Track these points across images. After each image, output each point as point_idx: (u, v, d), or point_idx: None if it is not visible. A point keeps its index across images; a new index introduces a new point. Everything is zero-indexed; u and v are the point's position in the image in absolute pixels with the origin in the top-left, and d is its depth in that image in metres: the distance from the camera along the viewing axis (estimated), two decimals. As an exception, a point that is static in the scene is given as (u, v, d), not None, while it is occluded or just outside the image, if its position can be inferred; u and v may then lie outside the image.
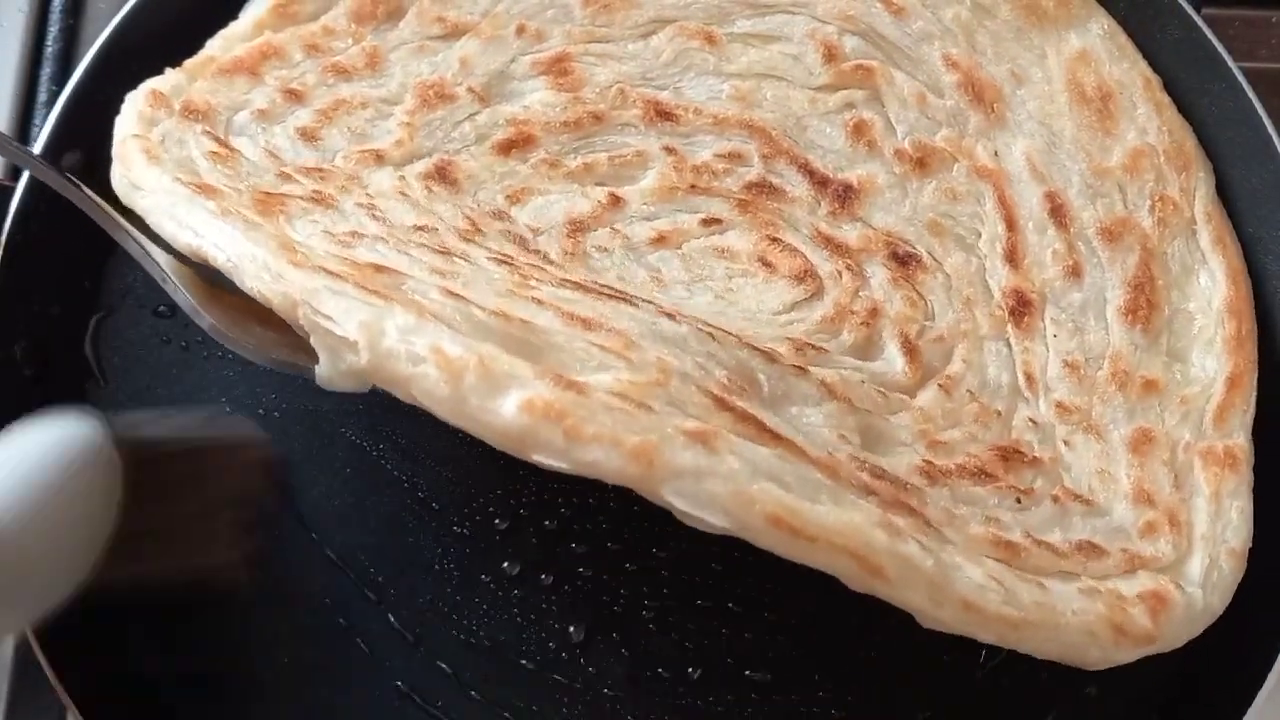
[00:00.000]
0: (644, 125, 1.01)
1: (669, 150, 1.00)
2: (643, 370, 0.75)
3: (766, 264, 0.98)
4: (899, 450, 0.87)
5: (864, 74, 1.02)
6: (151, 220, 0.83)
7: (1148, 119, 1.02)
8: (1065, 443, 0.93)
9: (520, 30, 1.03)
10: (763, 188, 1.00)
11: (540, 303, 0.79)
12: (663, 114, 1.01)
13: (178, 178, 0.85)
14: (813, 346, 0.92)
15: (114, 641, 0.95)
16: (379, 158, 0.96)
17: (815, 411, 0.85)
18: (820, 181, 1.00)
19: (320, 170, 0.93)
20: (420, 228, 0.88)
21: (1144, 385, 0.95)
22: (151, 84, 0.95)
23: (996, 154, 1.00)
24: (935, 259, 0.98)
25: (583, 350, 0.75)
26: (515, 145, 0.99)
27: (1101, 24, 1.04)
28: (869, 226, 0.99)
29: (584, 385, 0.71)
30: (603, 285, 0.88)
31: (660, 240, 0.98)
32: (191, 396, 1.00)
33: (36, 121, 1.17)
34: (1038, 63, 1.03)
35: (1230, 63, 1.01)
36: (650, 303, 0.87)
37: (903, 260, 0.98)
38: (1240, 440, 0.94)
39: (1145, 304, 0.97)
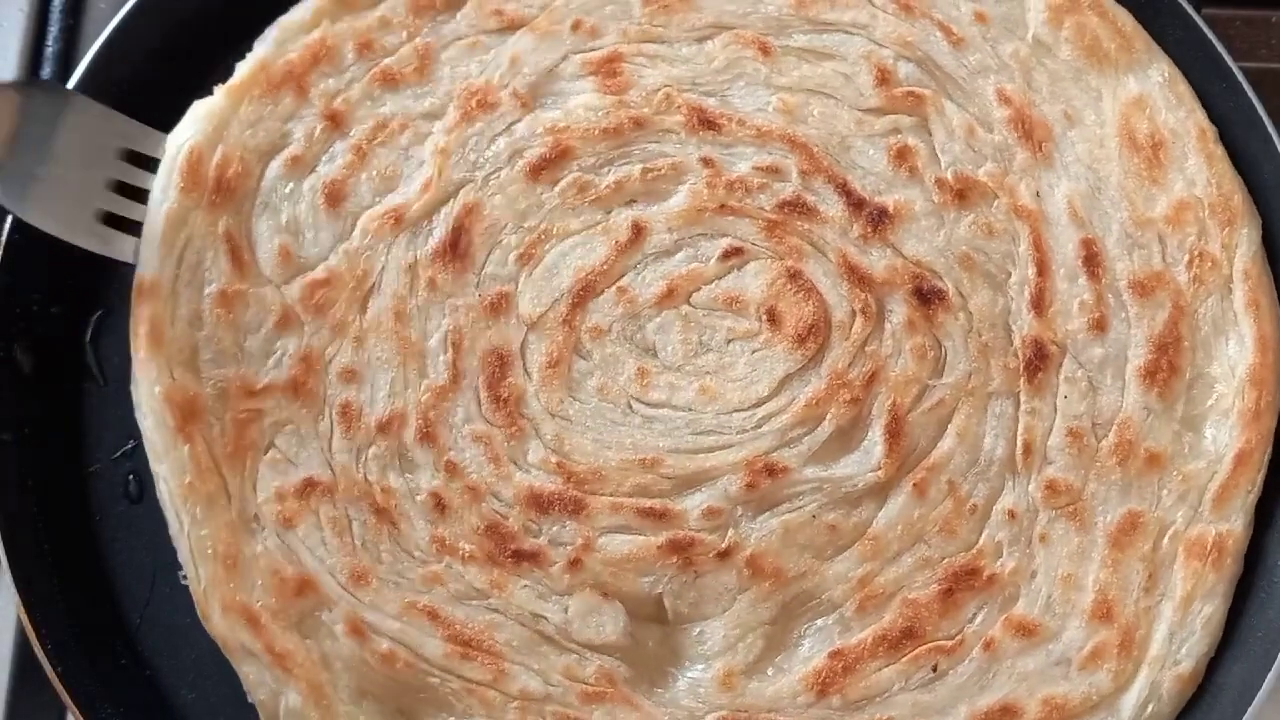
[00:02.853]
0: (685, 133, 1.00)
1: (707, 162, 0.99)
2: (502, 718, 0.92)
3: (774, 319, 0.97)
4: (809, 637, 0.94)
5: (915, 101, 1.00)
6: (145, 441, 0.95)
7: (1197, 170, 0.99)
8: (1041, 537, 0.94)
9: (576, 26, 1.01)
10: (796, 206, 0.99)
11: (434, 618, 0.93)
12: (706, 122, 0.99)
13: (168, 391, 0.94)
14: (772, 470, 0.94)
15: (114, 640, 0.99)
16: (397, 221, 0.97)
17: (718, 624, 0.94)
18: (856, 203, 0.98)
19: (326, 281, 0.96)
20: (384, 424, 0.95)
21: (1147, 460, 0.95)
22: (191, 135, 0.97)
23: (1038, 194, 0.99)
24: (962, 294, 0.97)
25: (454, 694, 0.92)
26: (548, 164, 0.98)
27: (1162, 70, 1.01)
28: (899, 254, 0.98)
29: None
30: (520, 548, 0.94)
31: (668, 296, 0.98)
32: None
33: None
34: (1092, 105, 1.00)
35: (1231, 63, 0.99)
36: (563, 547, 0.94)
37: (926, 298, 0.97)
38: (1237, 526, 0.94)
39: (1166, 366, 0.95)
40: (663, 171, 0.99)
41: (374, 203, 0.97)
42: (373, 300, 0.96)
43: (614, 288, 0.98)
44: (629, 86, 1.00)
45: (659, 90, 0.99)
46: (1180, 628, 0.92)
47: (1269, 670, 0.91)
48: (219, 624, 0.91)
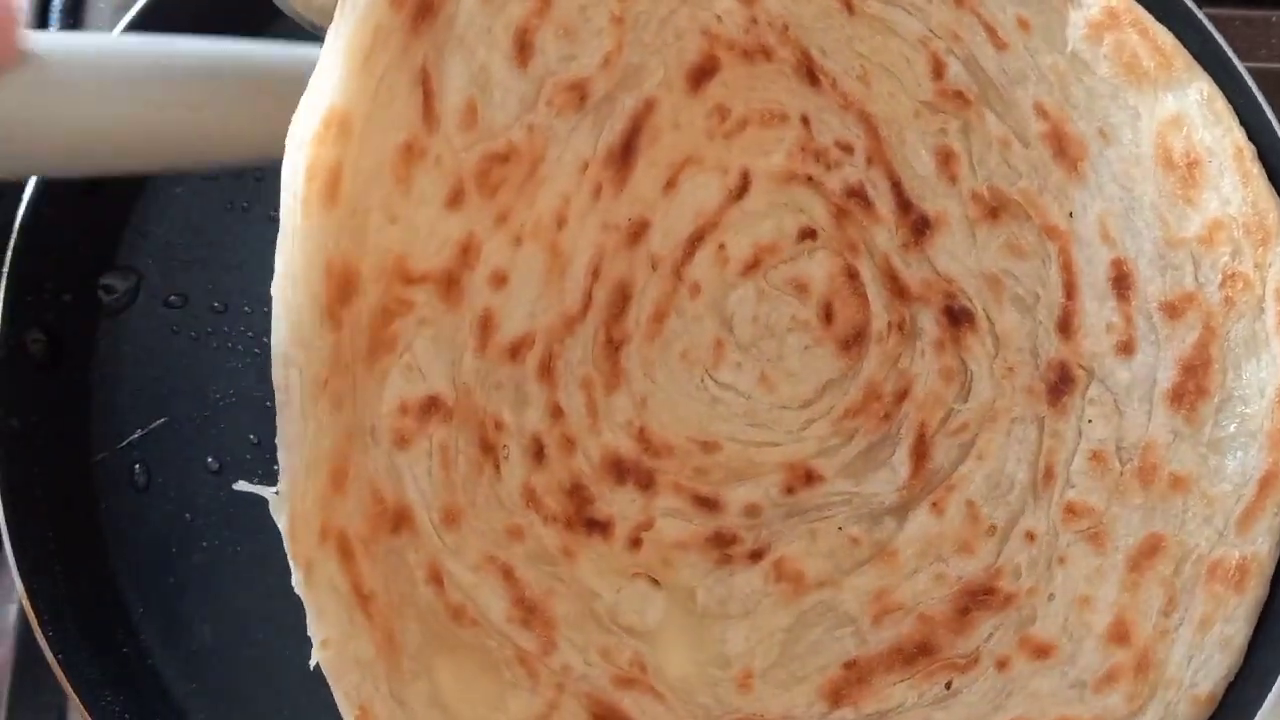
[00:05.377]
0: (794, 79, 0.98)
1: (804, 121, 0.98)
2: (541, 694, 0.87)
3: (828, 315, 0.98)
4: (824, 648, 0.93)
5: (961, 103, 0.99)
6: (276, 308, 0.77)
7: (1233, 189, 0.97)
8: (1060, 559, 0.93)
9: None
10: (859, 197, 0.98)
11: (508, 576, 0.87)
12: (810, 73, 0.98)
13: (330, 260, 0.77)
14: (810, 476, 0.94)
15: (116, 629, 0.99)
16: (582, 97, 0.90)
17: (740, 626, 0.92)
18: (903, 206, 0.98)
19: (504, 157, 0.86)
20: (515, 348, 0.89)
21: (1171, 482, 0.94)
22: None
23: (1071, 215, 0.98)
24: (989, 318, 0.97)
25: (504, 662, 0.87)
26: (704, 74, 0.95)
27: (1201, 88, 0.98)
28: (934, 270, 0.98)
29: None
30: (594, 516, 0.92)
31: (753, 266, 0.98)
32: (200, 386, 1.02)
33: (36, 122, 1.14)
34: (1129, 123, 0.99)
35: (1238, 64, 0.98)
36: (628, 522, 0.92)
37: (955, 318, 0.97)
38: (1262, 548, 0.93)
39: (1194, 389, 0.94)
40: (775, 120, 0.97)
41: (559, 68, 0.89)
42: (541, 192, 0.90)
43: (716, 245, 0.97)
44: (755, 0, 0.96)
45: (779, 19, 0.97)
46: (1198, 650, 0.91)
47: (1271, 688, 0.89)
48: (314, 551, 0.79)
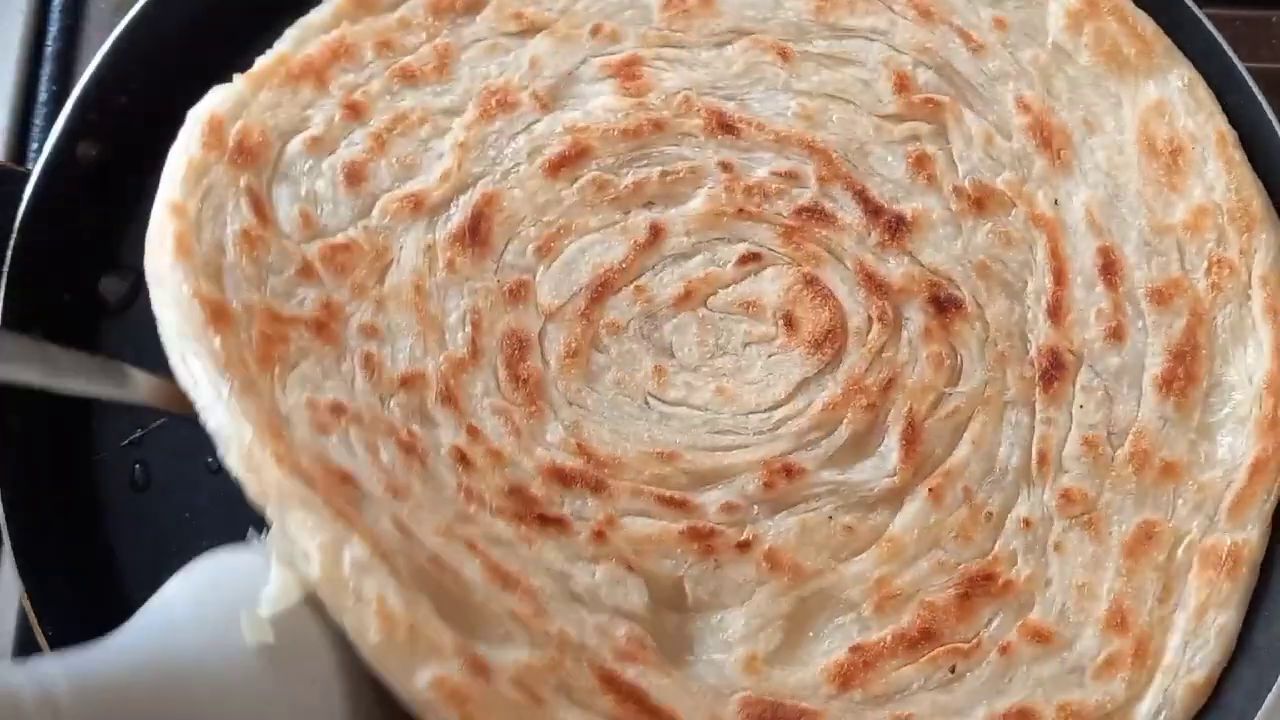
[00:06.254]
0: (704, 136, 1.00)
1: (725, 166, 0.99)
2: (544, 648, 0.84)
3: (790, 323, 0.98)
4: (827, 634, 0.93)
5: (933, 108, 1.00)
6: (163, 334, 0.87)
7: (1216, 176, 0.99)
8: (1056, 546, 0.94)
9: (596, 30, 1.02)
10: (814, 213, 0.99)
11: (472, 548, 0.86)
12: (724, 126, 1.00)
13: (197, 290, 0.87)
14: (790, 471, 0.94)
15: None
16: (416, 205, 0.96)
17: (738, 613, 0.92)
18: (874, 210, 0.99)
19: (346, 247, 0.94)
20: (406, 379, 0.92)
21: (1163, 469, 0.95)
22: (212, 105, 0.94)
23: (1057, 203, 0.99)
24: (979, 303, 0.98)
25: (496, 616, 0.84)
26: (567, 162, 0.98)
27: (1183, 75, 1.01)
28: (916, 262, 0.98)
29: (490, 669, 0.79)
30: (545, 512, 0.91)
31: (685, 298, 0.98)
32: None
33: (36, 121, 1.17)
34: (1112, 111, 1.00)
35: (1238, 64, 0.99)
36: (586, 520, 0.91)
37: (943, 306, 0.97)
38: (1252, 535, 0.94)
39: (1183, 375, 0.95)
40: (681, 175, 0.99)
41: (393, 187, 0.96)
42: (391, 273, 0.95)
43: (632, 286, 0.98)
44: (648, 89, 1.00)
45: (678, 94, 1.00)
46: (1194, 637, 0.92)
47: (1274, 681, 0.90)
48: (274, 474, 0.79)
